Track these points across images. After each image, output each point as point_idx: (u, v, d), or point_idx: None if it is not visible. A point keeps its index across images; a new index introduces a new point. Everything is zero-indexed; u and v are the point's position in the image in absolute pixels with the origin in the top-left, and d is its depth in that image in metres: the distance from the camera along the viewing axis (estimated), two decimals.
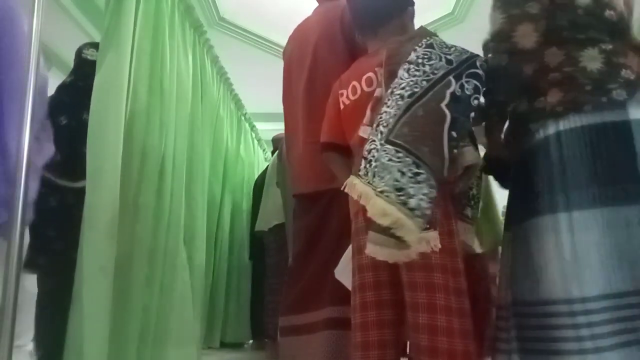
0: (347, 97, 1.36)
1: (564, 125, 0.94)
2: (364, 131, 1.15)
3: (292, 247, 2.34)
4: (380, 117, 1.05)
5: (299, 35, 1.86)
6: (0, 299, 1.12)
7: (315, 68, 1.71)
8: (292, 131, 1.86)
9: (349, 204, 1.40)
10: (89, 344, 1.45)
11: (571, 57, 0.96)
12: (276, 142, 3.16)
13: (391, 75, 1.13)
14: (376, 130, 1.04)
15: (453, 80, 1.01)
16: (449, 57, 1.06)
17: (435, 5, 3.89)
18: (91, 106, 1.61)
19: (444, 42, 1.12)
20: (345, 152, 1.39)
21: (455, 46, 1.11)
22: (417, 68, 1.05)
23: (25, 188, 1.30)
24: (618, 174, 0.86)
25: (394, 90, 1.06)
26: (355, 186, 1.00)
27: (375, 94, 1.23)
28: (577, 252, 0.86)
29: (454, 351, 1.01)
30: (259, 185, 3.14)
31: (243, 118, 3.76)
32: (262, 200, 3.02)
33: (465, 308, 1.06)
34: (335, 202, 1.58)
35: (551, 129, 0.96)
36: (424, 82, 1.02)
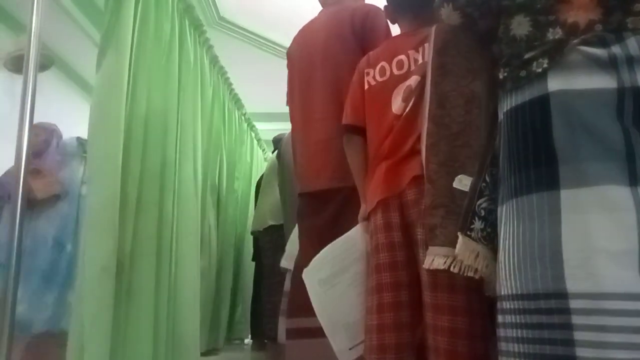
0: (374, 77, 1.30)
1: (505, 108, 0.83)
2: (460, 183, 1.01)
3: (289, 247, 2.30)
4: None
5: (306, 36, 1.85)
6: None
7: (326, 65, 1.68)
8: (299, 128, 1.81)
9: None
10: (91, 344, 1.45)
11: (506, 26, 0.82)
12: (276, 142, 3.15)
13: (441, 67, 1.07)
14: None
15: None
16: None
17: None
18: (91, 106, 1.61)
19: None
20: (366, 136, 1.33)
21: None
22: None
23: (24, 188, 1.30)
24: (532, 158, 0.74)
25: None
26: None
27: (408, 82, 1.19)
28: (503, 248, 0.78)
29: (475, 355, 0.99)
30: (260, 185, 3.14)
31: (243, 118, 3.76)
32: (258, 200, 3.02)
33: (485, 311, 1.03)
34: (350, 201, 1.52)
35: (500, 115, 0.86)
36: None
